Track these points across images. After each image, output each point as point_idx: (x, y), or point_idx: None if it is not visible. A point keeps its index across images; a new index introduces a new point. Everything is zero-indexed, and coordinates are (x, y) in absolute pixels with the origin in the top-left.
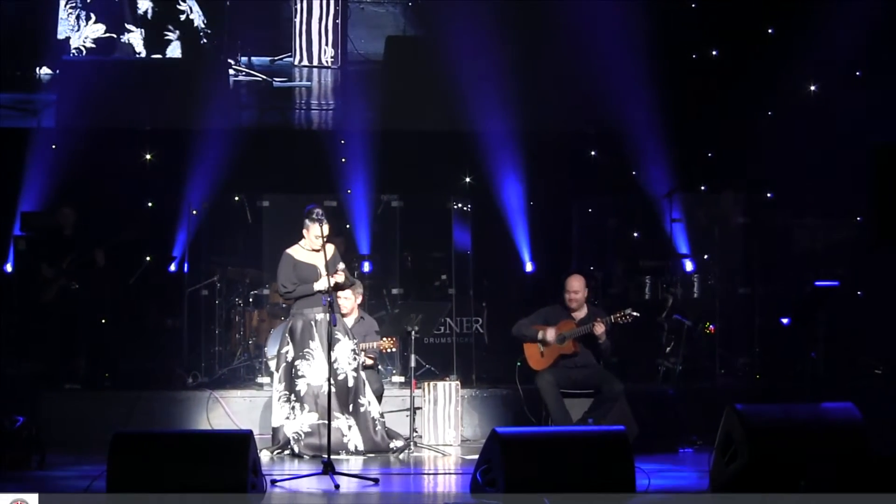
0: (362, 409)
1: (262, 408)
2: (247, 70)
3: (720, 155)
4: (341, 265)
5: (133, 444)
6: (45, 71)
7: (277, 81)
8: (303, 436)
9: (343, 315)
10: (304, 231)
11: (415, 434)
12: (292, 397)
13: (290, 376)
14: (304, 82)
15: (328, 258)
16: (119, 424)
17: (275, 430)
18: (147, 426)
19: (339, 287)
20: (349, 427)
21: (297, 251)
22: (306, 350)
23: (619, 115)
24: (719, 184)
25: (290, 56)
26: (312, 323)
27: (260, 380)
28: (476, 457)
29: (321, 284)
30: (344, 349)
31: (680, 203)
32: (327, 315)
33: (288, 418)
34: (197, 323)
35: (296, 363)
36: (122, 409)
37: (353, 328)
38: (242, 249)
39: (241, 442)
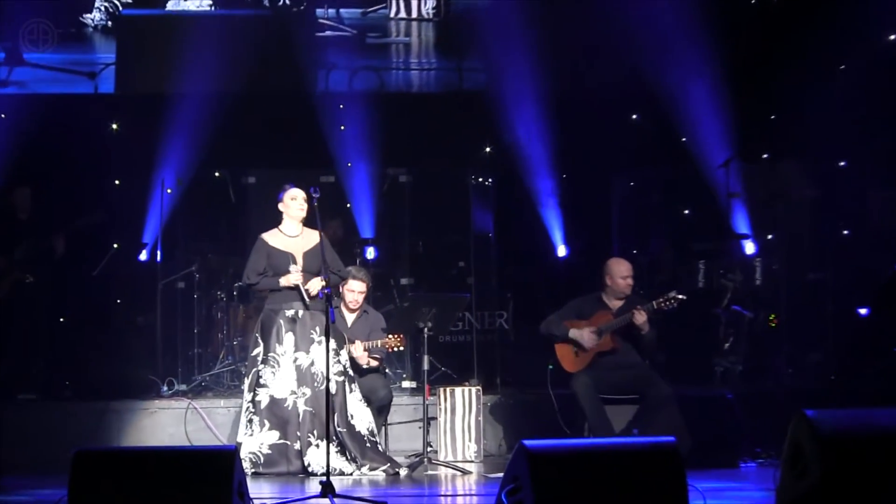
0: (341, 429)
1: None
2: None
3: (785, 117)
4: (337, 264)
5: (99, 464)
6: None
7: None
8: (261, 458)
9: (351, 310)
10: (282, 209)
11: (429, 449)
12: (251, 408)
13: (254, 384)
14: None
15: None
16: (82, 441)
17: (237, 448)
18: (115, 442)
19: (309, 293)
20: (324, 453)
21: (273, 236)
22: (272, 355)
23: (667, 71)
24: (784, 151)
25: (384, 7)
26: (283, 322)
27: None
28: (501, 475)
29: (290, 280)
30: (322, 350)
31: (738, 174)
32: (301, 312)
33: (247, 434)
34: (172, 321)
35: (260, 369)
36: (86, 422)
37: (355, 325)
38: (225, 234)
39: (224, 460)
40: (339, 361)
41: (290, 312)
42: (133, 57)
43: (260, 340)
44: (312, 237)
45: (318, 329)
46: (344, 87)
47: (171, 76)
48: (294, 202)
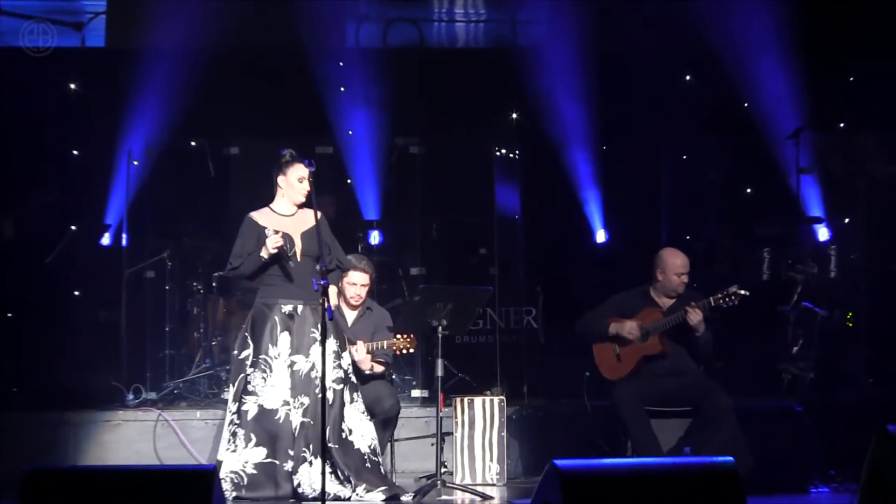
0: (333, 445)
1: None
2: None
3: (865, 80)
4: (337, 252)
5: (53, 485)
6: None
7: None
8: (245, 479)
9: (352, 307)
10: (281, 184)
11: (443, 470)
12: (235, 420)
13: (240, 392)
14: None
15: (278, 245)
16: (34, 458)
17: (217, 465)
18: (72, 460)
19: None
20: (317, 471)
21: (264, 216)
22: (263, 357)
23: (726, 25)
24: (864, 120)
25: None
26: (278, 319)
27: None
28: (528, 501)
29: (270, 244)
30: (321, 353)
31: (810, 146)
32: (301, 308)
33: (229, 450)
34: (140, 317)
35: (248, 373)
36: (39, 436)
37: (356, 324)
38: (203, 214)
39: (200, 482)
40: (339, 366)
41: (286, 308)
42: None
43: (250, 341)
44: (309, 217)
45: (319, 327)
46: (377, 41)
47: (155, 28)
48: (300, 185)
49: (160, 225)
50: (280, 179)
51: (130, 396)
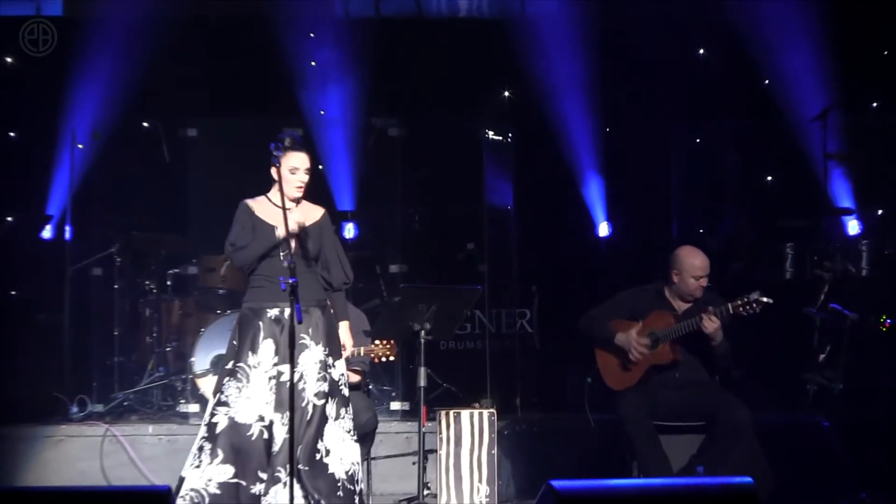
0: (303, 467)
1: (186, 451)
2: None
3: None
4: (336, 258)
5: None
6: None
7: None
8: (206, 499)
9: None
10: (274, 172)
11: (426, 492)
12: (205, 432)
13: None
14: None
15: (300, 223)
16: None
17: (179, 482)
18: (9, 480)
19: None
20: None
21: (260, 204)
22: (240, 365)
23: None
24: None
25: None
26: (262, 325)
27: (184, 407)
28: None
29: (281, 230)
30: (310, 361)
31: (839, 129)
32: (289, 312)
33: (193, 465)
34: (85, 320)
35: (224, 382)
36: None
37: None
38: (157, 204)
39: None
40: (325, 378)
41: (273, 312)
42: None
43: (236, 347)
44: (312, 213)
45: (311, 331)
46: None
47: None
48: (293, 176)
49: (108, 216)
50: (274, 172)
51: (75, 409)
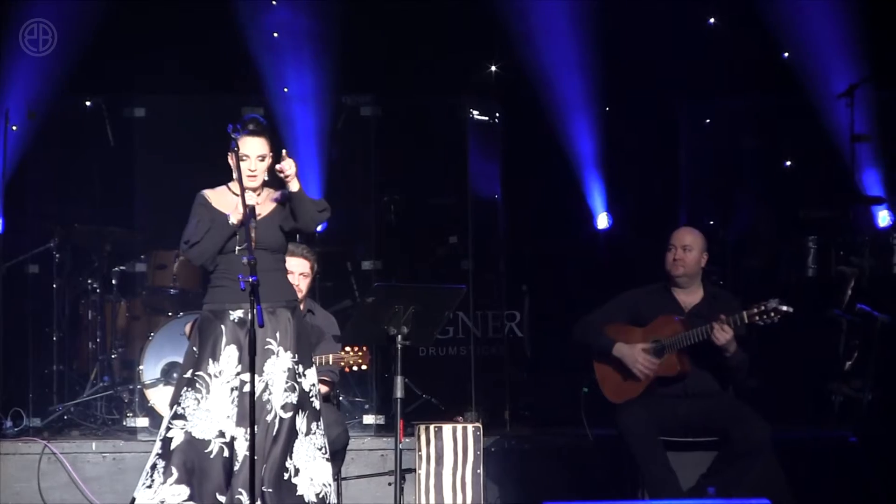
0: (267, 489)
1: (134, 470)
2: None
3: None
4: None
5: None
6: None
7: None
8: None
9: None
10: (231, 158)
11: None
12: (159, 449)
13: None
14: None
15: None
16: None
17: None
18: None
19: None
20: None
21: (220, 195)
22: (199, 374)
23: None
24: None
25: None
26: (224, 329)
27: (131, 422)
28: None
29: (234, 217)
30: (277, 370)
31: (868, 108)
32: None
33: (144, 485)
34: (20, 323)
35: (182, 393)
36: None
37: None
38: (100, 193)
39: None
40: (293, 388)
41: (236, 314)
42: None
43: (196, 353)
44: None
45: (278, 336)
46: None
47: None
48: (243, 164)
49: (45, 206)
50: (230, 159)
51: (9, 423)
